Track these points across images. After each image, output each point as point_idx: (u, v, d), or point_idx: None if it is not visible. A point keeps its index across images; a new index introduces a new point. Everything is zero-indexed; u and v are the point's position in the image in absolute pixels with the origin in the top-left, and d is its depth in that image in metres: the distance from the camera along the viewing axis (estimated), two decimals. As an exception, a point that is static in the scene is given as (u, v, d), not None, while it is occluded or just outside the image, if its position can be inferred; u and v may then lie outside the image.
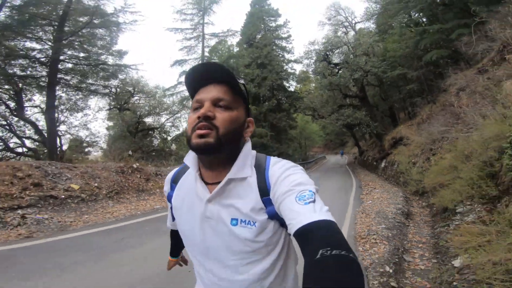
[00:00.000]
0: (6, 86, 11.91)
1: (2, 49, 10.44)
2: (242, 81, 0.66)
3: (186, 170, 0.72)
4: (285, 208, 0.55)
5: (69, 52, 12.69)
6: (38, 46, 11.81)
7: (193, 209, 0.66)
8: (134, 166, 6.95)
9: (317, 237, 0.47)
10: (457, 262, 2.82)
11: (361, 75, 15.55)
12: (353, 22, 24.93)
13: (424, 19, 14.79)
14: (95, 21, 11.97)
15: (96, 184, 5.35)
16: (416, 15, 14.83)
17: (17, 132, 13.52)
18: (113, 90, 16.57)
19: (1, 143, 13.12)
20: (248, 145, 0.67)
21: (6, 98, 12.33)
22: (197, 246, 0.66)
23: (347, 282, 0.39)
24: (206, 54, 19.12)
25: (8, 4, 9.94)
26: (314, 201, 0.53)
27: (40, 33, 11.76)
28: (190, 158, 0.67)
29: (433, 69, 14.38)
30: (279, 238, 0.63)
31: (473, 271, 2.46)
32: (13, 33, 10.27)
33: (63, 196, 4.59)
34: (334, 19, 24.66)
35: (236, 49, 24.67)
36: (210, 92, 0.61)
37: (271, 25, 27.01)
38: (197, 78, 0.63)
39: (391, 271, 2.86)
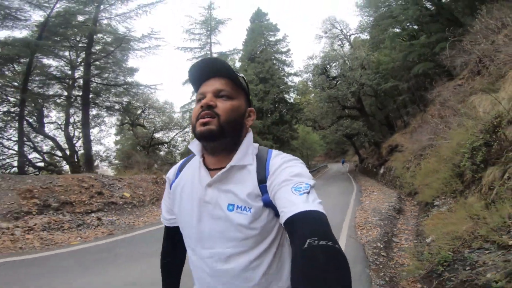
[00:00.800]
0: (24, 103, 12.95)
1: (33, 69, 11.63)
2: (241, 75, 0.70)
3: (191, 159, 0.76)
4: (280, 196, 0.57)
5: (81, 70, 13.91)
6: (54, 63, 12.79)
7: (192, 194, 0.68)
8: (164, 177, 8.09)
9: (305, 226, 0.49)
10: (428, 240, 3.91)
11: (357, 88, 16.86)
12: (348, 34, 26.42)
13: (416, 27, 15.54)
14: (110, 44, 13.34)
15: (141, 193, 6.48)
16: (408, 25, 15.93)
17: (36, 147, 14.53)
18: (124, 106, 17.55)
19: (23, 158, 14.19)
20: (250, 135, 0.71)
21: (24, 114, 13.39)
22: (193, 232, 0.67)
23: (334, 271, 0.41)
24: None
25: (36, 23, 10.91)
26: (308, 193, 0.55)
27: (65, 52, 13.05)
28: (195, 145, 0.71)
29: (423, 79, 15.59)
30: (273, 227, 0.64)
31: (436, 243, 3.56)
32: (42, 52, 11.46)
33: (120, 202, 5.72)
34: (330, 32, 26.02)
35: (238, 64, 25.96)
36: (212, 85, 0.66)
37: (270, 39, 28.30)
38: (200, 73, 0.67)
39: (382, 246, 3.95)
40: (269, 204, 0.62)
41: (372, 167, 17.05)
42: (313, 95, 26.95)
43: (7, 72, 11.47)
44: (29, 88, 12.19)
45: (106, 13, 12.99)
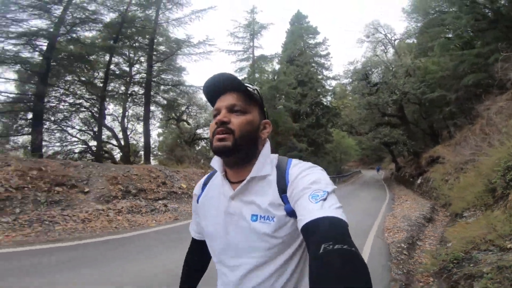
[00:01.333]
0: (88, 96, 14.10)
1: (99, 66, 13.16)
2: (254, 87, 0.73)
3: (215, 173, 0.80)
4: (299, 205, 0.59)
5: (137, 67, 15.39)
6: (115, 60, 14.05)
7: (218, 206, 0.72)
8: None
9: (320, 232, 0.49)
10: (449, 244, 4.35)
11: (400, 96, 16.48)
12: (393, 39, 25.36)
13: (471, 33, 14.53)
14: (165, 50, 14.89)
15: (194, 185, 7.66)
16: (460, 32, 14.98)
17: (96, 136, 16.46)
18: (172, 102, 18.29)
19: (84, 146, 15.75)
20: (267, 146, 0.73)
21: (88, 106, 14.50)
22: (220, 243, 0.71)
23: (350, 275, 0.41)
24: (257, 75, 21.56)
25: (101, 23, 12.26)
26: (325, 199, 0.55)
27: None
28: (216, 161, 0.74)
29: (475, 89, 14.67)
30: (297, 236, 0.66)
31: (453, 246, 4.01)
32: (116, 53, 13.05)
33: (179, 192, 6.94)
34: (373, 36, 25.13)
35: (277, 66, 26.47)
36: (226, 100, 0.69)
37: (310, 42, 28.38)
38: (214, 89, 0.71)
39: (405, 246, 4.49)
40: (292, 214, 0.63)
41: (409, 177, 16.64)
42: (350, 98, 26.55)
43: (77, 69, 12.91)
44: (94, 82, 13.86)
45: (164, 17, 14.44)
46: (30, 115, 12.04)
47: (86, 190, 5.85)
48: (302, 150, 20.34)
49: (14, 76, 11.97)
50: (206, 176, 0.84)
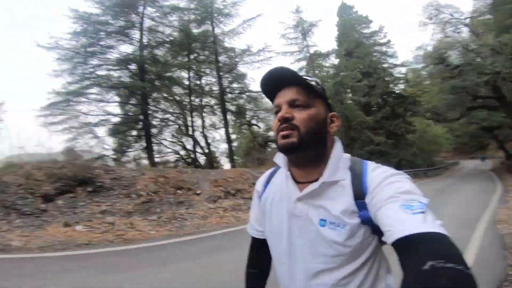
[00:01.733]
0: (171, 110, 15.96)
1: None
2: (315, 79, 0.68)
3: (278, 170, 0.76)
4: (384, 214, 0.53)
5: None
6: (185, 75, 15.69)
7: (281, 206, 0.69)
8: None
9: (426, 248, 0.43)
10: None
11: (491, 77, 14.17)
12: (462, 18, 21.83)
13: None
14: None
15: (280, 184, 8.47)
16: None
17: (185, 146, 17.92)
18: (240, 108, 19.09)
19: (177, 155, 17.45)
20: (338, 146, 0.68)
21: (173, 119, 16.10)
22: (282, 245, 0.68)
23: None
24: (316, 71, 21.65)
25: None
26: (424, 212, 0.49)
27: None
28: (280, 158, 0.70)
29: None
30: (368, 245, 0.61)
31: None
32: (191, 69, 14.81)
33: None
34: (436, 18, 22.34)
35: (336, 61, 25.45)
36: (286, 95, 0.65)
37: (364, 32, 26.50)
38: (271, 85, 0.68)
39: (523, 236, 4.11)
40: (367, 222, 0.59)
41: (526, 165, 13.82)
42: (427, 83, 23.62)
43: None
44: (176, 98, 15.51)
45: (219, 30, 15.85)
46: (133, 132, 14.57)
47: (198, 192, 7.24)
48: (380, 143, 19.20)
49: (116, 98, 13.86)
50: (269, 172, 0.81)
